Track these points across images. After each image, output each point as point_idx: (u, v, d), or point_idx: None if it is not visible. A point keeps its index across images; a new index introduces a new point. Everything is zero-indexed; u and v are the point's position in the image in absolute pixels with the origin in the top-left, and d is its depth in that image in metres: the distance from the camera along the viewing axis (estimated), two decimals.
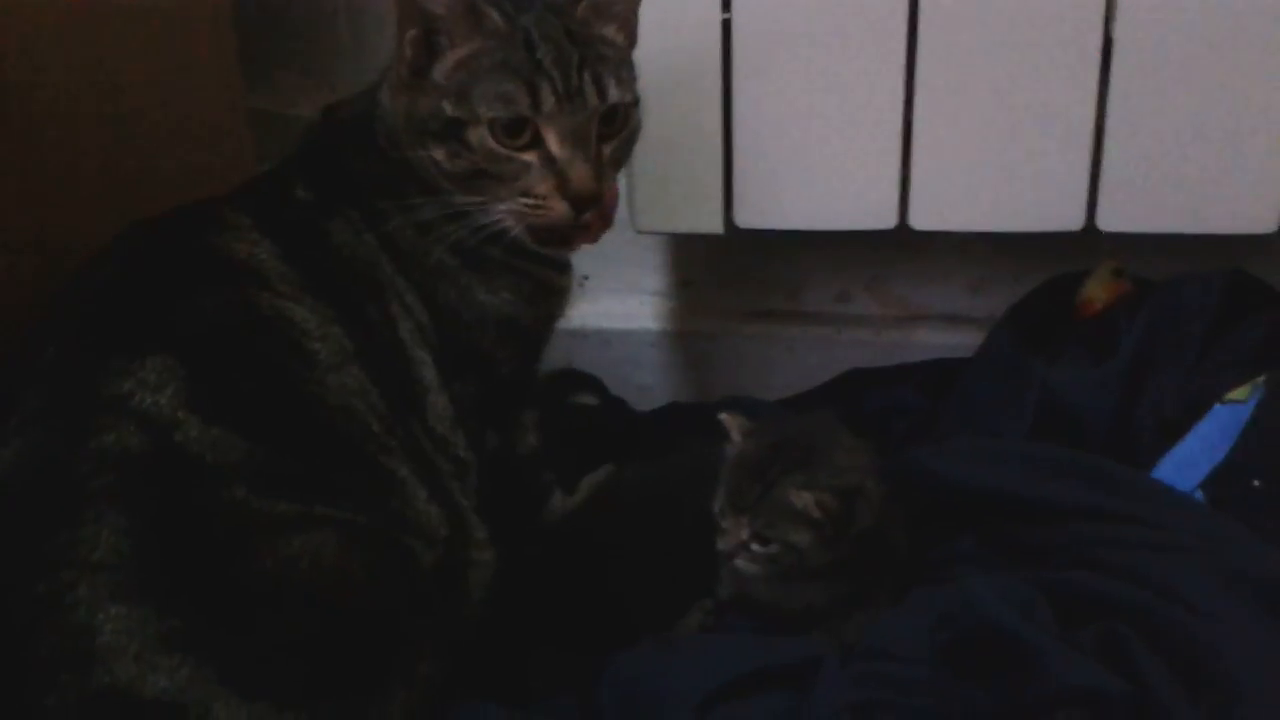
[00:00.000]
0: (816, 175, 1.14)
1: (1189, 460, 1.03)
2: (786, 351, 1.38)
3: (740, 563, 0.90)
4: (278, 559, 0.74)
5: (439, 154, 0.88)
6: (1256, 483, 0.99)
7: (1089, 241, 1.21)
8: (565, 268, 0.99)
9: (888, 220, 1.15)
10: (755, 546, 0.89)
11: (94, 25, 0.98)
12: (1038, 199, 1.13)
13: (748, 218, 1.16)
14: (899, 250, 1.34)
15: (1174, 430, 1.07)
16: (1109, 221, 1.13)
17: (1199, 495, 1.00)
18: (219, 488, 0.75)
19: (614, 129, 0.90)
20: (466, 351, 0.94)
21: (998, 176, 1.13)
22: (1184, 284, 1.14)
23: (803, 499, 0.87)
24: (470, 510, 0.90)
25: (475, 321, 0.94)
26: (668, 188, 1.15)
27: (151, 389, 0.76)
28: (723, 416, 0.95)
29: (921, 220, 1.14)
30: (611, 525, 1.01)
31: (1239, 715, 0.63)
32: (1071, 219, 1.13)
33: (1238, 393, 1.04)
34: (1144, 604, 0.76)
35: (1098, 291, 1.21)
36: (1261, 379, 1.03)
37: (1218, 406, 1.04)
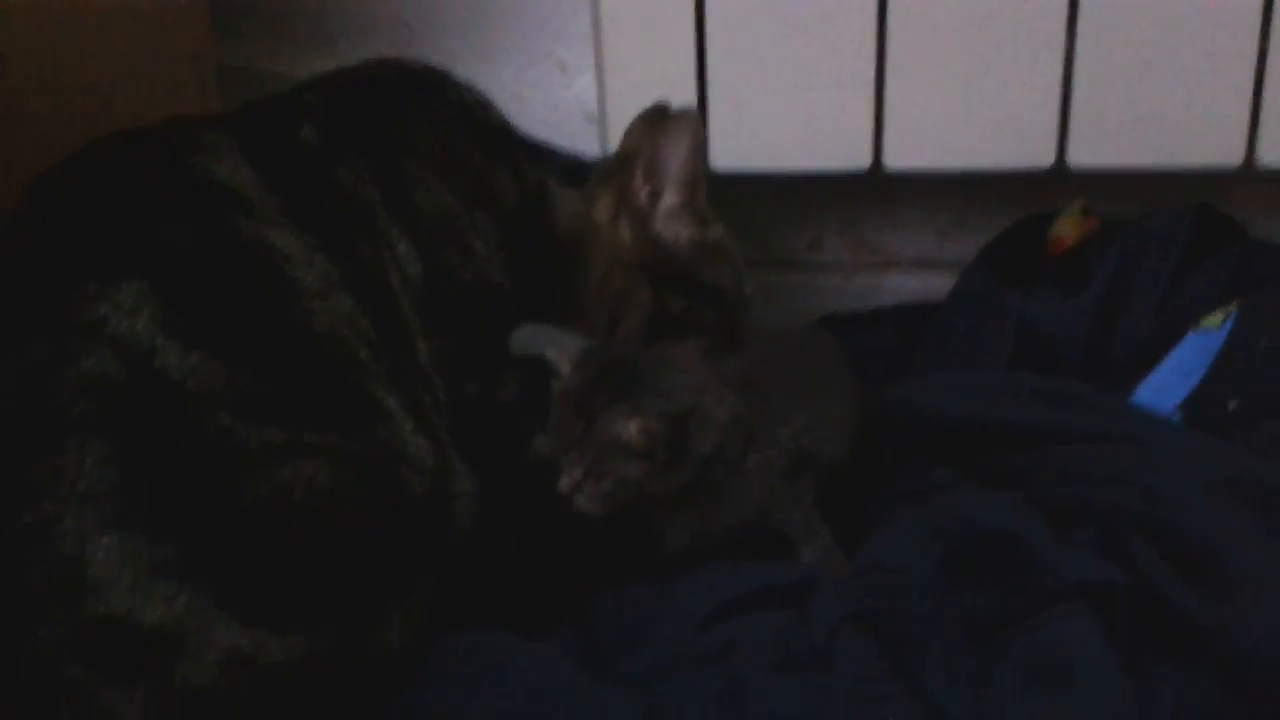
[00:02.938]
0: (791, 117, 1.14)
1: (1164, 386, 1.05)
2: (760, 299, 1.38)
3: (581, 501, 0.85)
4: (271, 487, 0.73)
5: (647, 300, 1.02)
6: (1232, 405, 1.01)
7: (1056, 184, 1.23)
8: None
9: (862, 161, 1.15)
10: (590, 485, 0.84)
11: None
12: (1009, 137, 1.14)
13: (724, 160, 1.16)
14: (869, 196, 1.35)
15: (1149, 359, 1.08)
16: (1079, 157, 1.14)
17: (1176, 419, 1.02)
18: (203, 415, 0.73)
19: None
20: (454, 310, 0.93)
21: (970, 115, 1.14)
22: (1155, 218, 1.15)
23: (627, 430, 0.82)
24: (449, 446, 0.90)
25: (471, 286, 0.94)
26: None
27: (128, 314, 0.74)
28: (550, 354, 0.90)
29: (895, 160, 1.15)
30: None
31: (1239, 598, 0.64)
32: (1042, 156, 1.14)
33: (1211, 319, 1.05)
34: (1131, 506, 0.77)
35: (1067, 229, 1.23)
36: (1234, 305, 1.05)
37: (1191, 333, 1.06)
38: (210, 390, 0.74)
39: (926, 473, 1.00)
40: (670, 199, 1.03)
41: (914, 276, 1.38)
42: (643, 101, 1.15)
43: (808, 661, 0.78)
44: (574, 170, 1.07)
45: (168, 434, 0.72)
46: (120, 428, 0.71)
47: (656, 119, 1.03)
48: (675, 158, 1.01)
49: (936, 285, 1.33)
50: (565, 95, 1.31)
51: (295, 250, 0.81)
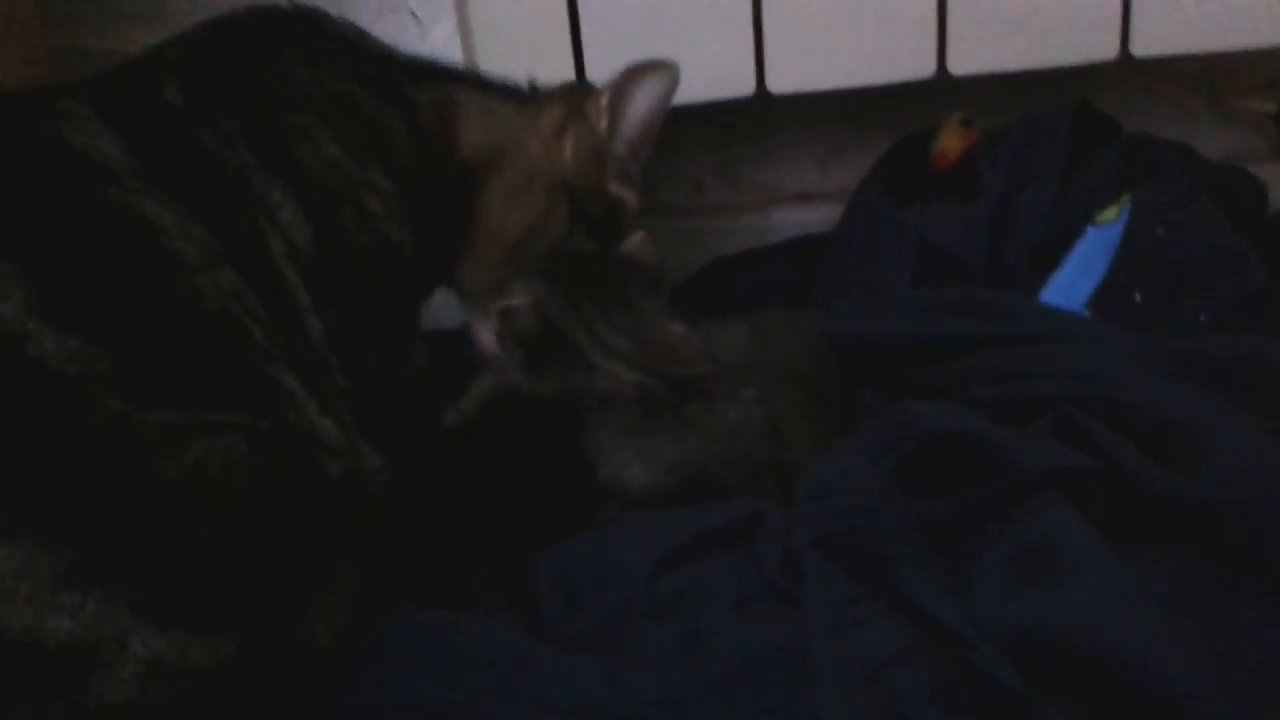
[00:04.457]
0: (671, 49, 1.09)
1: (1070, 283, 1.05)
2: None
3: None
4: (181, 469, 0.65)
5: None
6: (1138, 297, 1.01)
7: (932, 101, 1.22)
8: None
9: (746, 87, 1.12)
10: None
11: None
12: (891, 50, 1.13)
13: None
14: (747, 132, 1.33)
15: (1049, 261, 1.08)
16: (960, 65, 1.13)
17: (1085, 316, 1.01)
18: (89, 402, 0.65)
19: None
20: (351, 279, 0.86)
21: (850, 31, 1.12)
22: (1038, 120, 1.15)
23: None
24: (352, 428, 0.83)
25: (368, 250, 0.86)
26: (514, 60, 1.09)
27: None
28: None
29: (779, 84, 1.12)
30: (515, 424, 0.96)
31: (1211, 469, 0.62)
32: (923, 66, 1.13)
33: (1108, 213, 1.06)
34: (1077, 393, 0.75)
35: (950, 143, 1.22)
36: (1127, 198, 1.05)
37: (1090, 229, 1.06)
38: (94, 376, 0.65)
39: (851, 399, 0.98)
40: (616, 145, 0.98)
41: (798, 210, 1.37)
42: (510, 49, 1.10)
43: (766, 599, 0.74)
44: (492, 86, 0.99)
45: (52, 427, 0.64)
46: None
47: (641, 64, 0.98)
48: (643, 103, 0.97)
49: (821, 217, 1.32)
50: (421, 47, 1.24)
51: (170, 221, 0.72)
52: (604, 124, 0.97)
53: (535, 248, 0.97)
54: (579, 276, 0.91)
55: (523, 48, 1.11)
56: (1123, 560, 0.60)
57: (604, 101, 0.97)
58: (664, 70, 0.97)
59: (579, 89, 0.99)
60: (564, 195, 0.97)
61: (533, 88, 1.00)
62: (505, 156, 0.95)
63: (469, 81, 0.96)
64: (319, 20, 0.90)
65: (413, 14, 1.22)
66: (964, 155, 1.20)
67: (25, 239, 0.67)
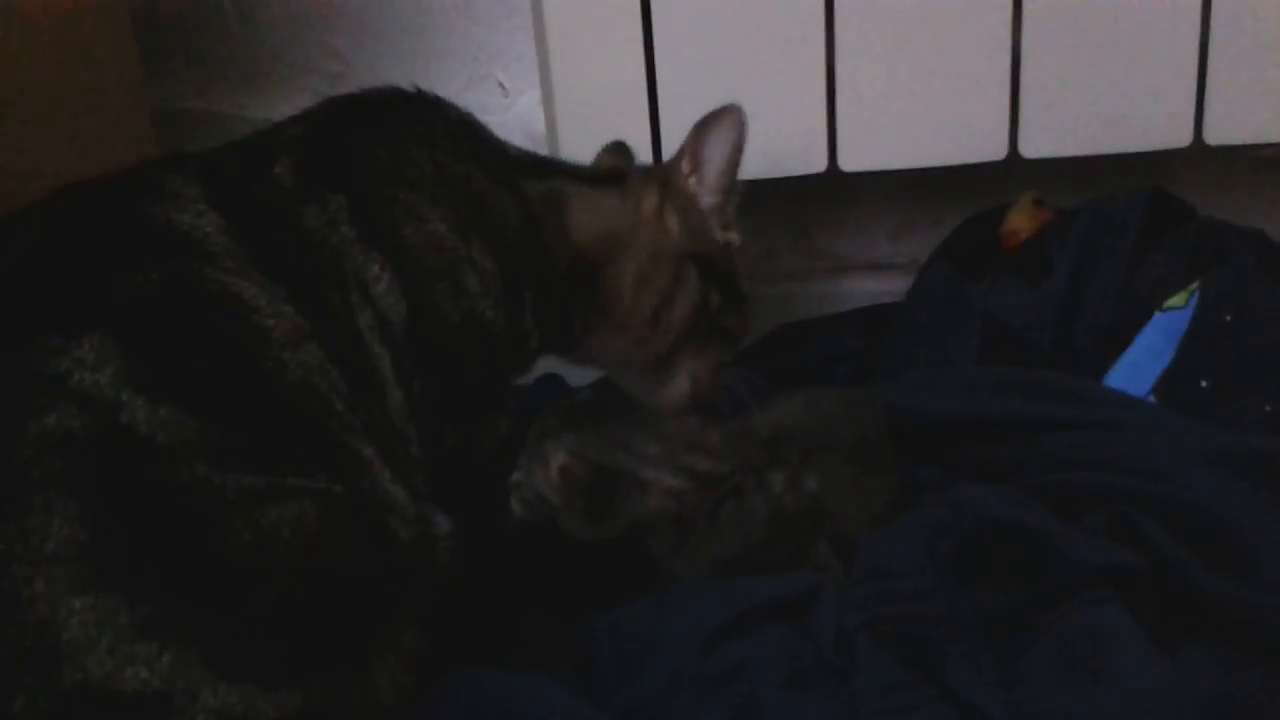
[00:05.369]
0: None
1: (1136, 368, 1.05)
2: None
3: (512, 500, 0.90)
4: (257, 531, 0.69)
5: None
6: (1204, 383, 1.01)
7: (1005, 180, 1.23)
8: None
9: (818, 164, 1.15)
10: (517, 490, 0.90)
11: None
12: (962, 132, 1.14)
13: None
14: (820, 202, 1.35)
15: (1115, 344, 1.08)
16: (1031, 148, 1.15)
17: (1151, 400, 1.02)
18: (176, 467, 0.69)
19: None
20: (438, 353, 0.89)
21: (922, 113, 1.14)
22: (1110, 203, 1.16)
23: (556, 459, 0.86)
24: (424, 498, 0.87)
25: (459, 325, 0.90)
26: (594, 129, 1.13)
27: (90, 368, 0.70)
28: None
29: (851, 162, 1.15)
30: None
31: (1260, 572, 0.63)
32: (995, 148, 1.15)
33: (1176, 299, 1.06)
34: (1134, 488, 0.76)
35: (1021, 222, 1.23)
36: (1196, 285, 1.06)
37: (1158, 315, 1.06)
38: (181, 442, 0.70)
39: (911, 472, 0.99)
40: (707, 198, 1.03)
41: (869, 279, 1.38)
42: (593, 117, 1.14)
43: (819, 676, 0.76)
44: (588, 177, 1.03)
45: (139, 488, 0.68)
46: (88, 485, 0.67)
47: (707, 116, 1.03)
48: (718, 151, 1.02)
49: (891, 287, 1.33)
50: (507, 117, 1.29)
51: (262, 300, 0.77)
52: (691, 183, 1.03)
53: (674, 312, 1.02)
54: (593, 412, 0.95)
55: (603, 118, 1.14)
56: (1167, 660, 0.61)
57: (685, 165, 1.02)
58: (729, 114, 1.01)
59: (662, 166, 1.05)
60: (686, 262, 1.02)
61: (617, 170, 1.05)
62: (621, 243, 1.00)
63: (570, 174, 1.01)
64: (440, 105, 0.95)
65: (500, 84, 1.26)
66: (1034, 235, 1.21)
67: (123, 314, 0.72)
